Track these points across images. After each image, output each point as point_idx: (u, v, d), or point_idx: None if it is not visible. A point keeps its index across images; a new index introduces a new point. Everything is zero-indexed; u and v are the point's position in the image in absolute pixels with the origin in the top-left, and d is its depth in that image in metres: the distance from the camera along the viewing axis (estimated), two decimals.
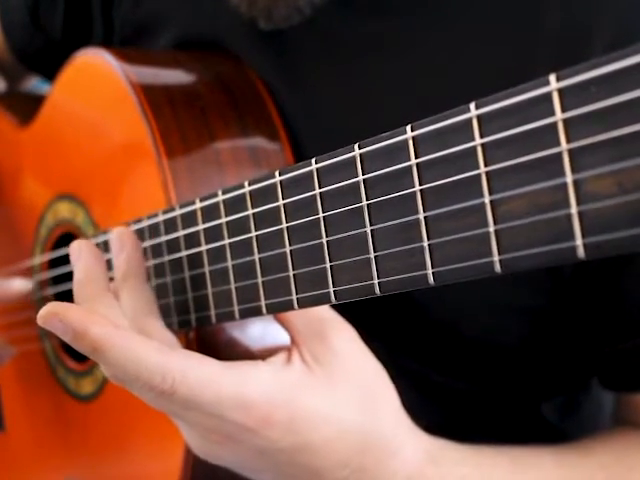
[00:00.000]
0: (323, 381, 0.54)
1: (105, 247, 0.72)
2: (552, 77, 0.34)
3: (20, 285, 0.81)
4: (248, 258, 0.53)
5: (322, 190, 0.46)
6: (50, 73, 0.98)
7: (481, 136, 0.37)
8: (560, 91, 0.34)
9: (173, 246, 0.62)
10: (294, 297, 0.49)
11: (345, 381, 0.55)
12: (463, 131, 0.38)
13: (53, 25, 0.93)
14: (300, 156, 0.70)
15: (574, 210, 0.34)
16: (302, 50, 0.72)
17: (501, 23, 0.64)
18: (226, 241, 0.55)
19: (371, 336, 0.58)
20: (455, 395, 0.70)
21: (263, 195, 0.51)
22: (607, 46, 0.60)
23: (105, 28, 0.88)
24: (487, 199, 0.37)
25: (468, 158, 0.38)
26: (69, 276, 0.81)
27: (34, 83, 1.07)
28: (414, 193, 0.40)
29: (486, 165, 0.37)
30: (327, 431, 0.53)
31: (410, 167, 0.40)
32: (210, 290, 0.58)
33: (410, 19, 0.67)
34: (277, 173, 0.49)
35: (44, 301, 0.85)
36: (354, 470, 0.55)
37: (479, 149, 0.37)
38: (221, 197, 0.55)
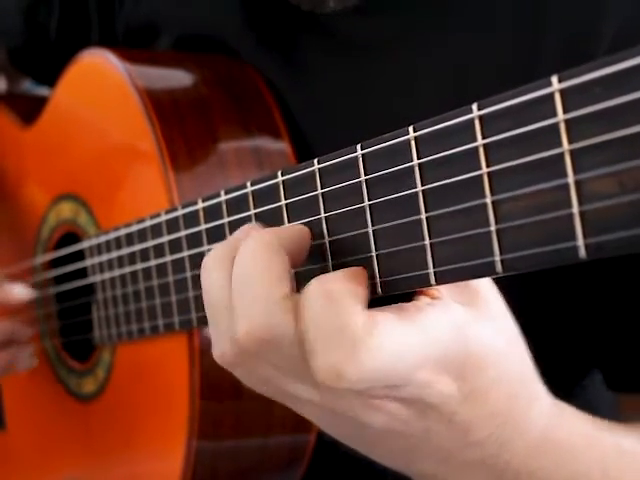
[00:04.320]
0: (480, 318, 0.46)
1: (107, 247, 0.72)
2: (554, 78, 0.34)
3: (21, 291, 0.81)
4: None
5: (324, 190, 0.46)
6: (40, 76, 0.98)
7: (483, 137, 0.37)
8: (562, 92, 0.34)
9: (175, 246, 0.62)
10: None
11: (494, 320, 0.47)
12: (465, 132, 0.38)
13: (49, 26, 0.93)
14: (306, 156, 0.70)
15: (575, 210, 0.34)
16: (308, 50, 0.72)
17: (503, 23, 0.64)
18: None
19: None
20: None
21: (265, 195, 0.51)
22: (611, 44, 0.60)
23: (101, 31, 0.88)
24: (489, 199, 0.37)
25: (470, 159, 0.38)
26: (70, 276, 0.81)
27: (27, 85, 1.08)
28: (416, 194, 0.41)
29: (488, 166, 0.37)
30: (491, 373, 0.46)
31: (412, 167, 0.41)
32: None
33: (417, 19, 0.67)
34: (279, 173, 0.49)
35: (45, 301, 0.85)
36: (502, 422, 0.48)
37: (481, 150, 0.37)
38: (224, 197, 0.55)
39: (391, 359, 0.41)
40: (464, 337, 0.44)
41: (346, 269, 0.44)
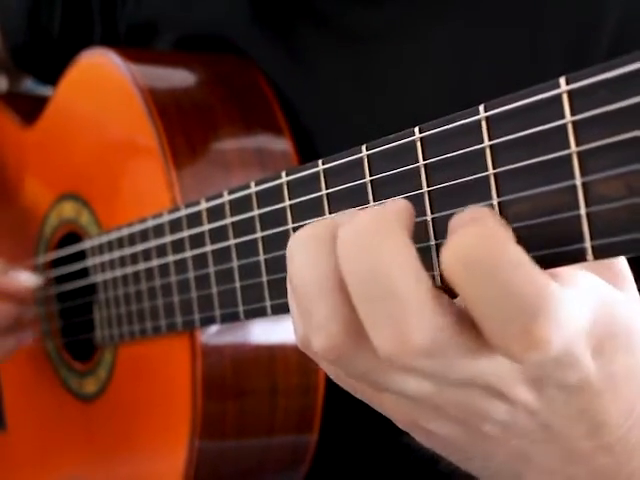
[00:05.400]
0: (629, 301, 0.41)
1: (109, 247, 0.72)
2: (562, 80, 0.34)
3: (27, 278, 0.81)
4: (253, 259, 0.53)
5: (329, 191, 0.46)
6: (43, 75, 0.98)
7: (490, 138, 0.37)
8: (570, 93, 0.34)
9: (178, 246, 0.62)
10: None
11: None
12: (472, 133, 0.38)
13: (52, 26, 0.93)
14: (309, 152, 0.70)
15: (583, 212, 0.34)
16: (310, 44, 0.72)
17: (502, 17, 0.64)
18: (231, 241, 0.55)
19: None
20: None
21: (269, 196, 0.51)
22: (611, 40, 0.60)
23: (104, 30, 0.88)
24: (495, 201, 0.37)
25: (477, 160, 0.38)
26: (72, 275, 0.81)
27: (28, 84, 1.08)
28: (422, 194, 0.40)
29: (495, 167, 0.37)
30: (630, 361, 0.40)
31: (418, 168, 0.40)
32: (215, 290, 0.58)
33: (417, 11, 0.67)
34: (284, 174, 0.49)
35: (47, 300, 0.85)
36: (636, 418, 0.41)
37: (488, 151, 0.37)
38: (227, 197, 0.55)
39: (575, 327, 0.36)
40: (610, 314, 0.39)
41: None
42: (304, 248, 0.39)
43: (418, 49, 0.67)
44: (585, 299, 0.37)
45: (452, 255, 0.33)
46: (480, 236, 0.33)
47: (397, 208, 0.36)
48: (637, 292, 0.42)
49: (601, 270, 0.40)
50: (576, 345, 0.36)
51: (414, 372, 0.37)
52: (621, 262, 0.42)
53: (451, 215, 0.39)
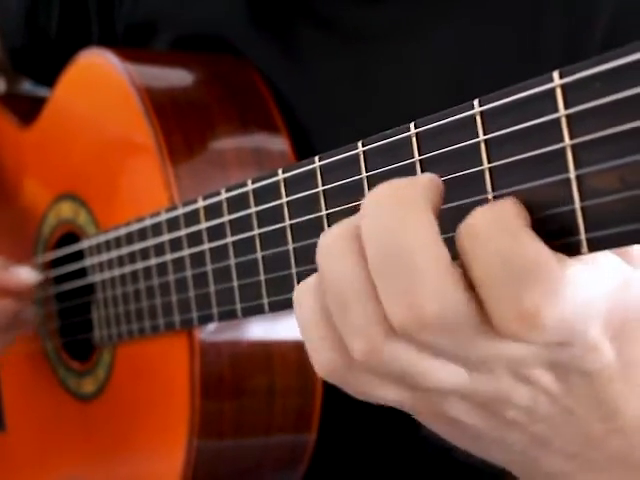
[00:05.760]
0: None
1: (107, 246, 0.72)
2: (555, 73, 0.34)
3: (28, 274, 0.81)
4: (251, 256, 0.53)
5: (325, 188, 0.46)
6: (41, 77, 0.98)
7: (484, 133, 0.37)
8: (563, 87, 0.34)
9: (176, 245, 0.62)
10: None
11: None
12: (466, 128, 0.38)
13: (49, 26, 0.93)
14: (307, 151, 0.70)
15: (577, 205, 0.34)
16: (309, 45, 0.72)
17: (505, 16, 0.64)
18: (229, 239, 0.55)
19: None
20: None
21: (266, 193, 0.51)
22: (606, 35, 0.60)
23: (101, 30, 0.88)
24: (490, 195, 0.37)
25: (471, 155, 0.38)
26: (71, 275, 0.81)
27: (27, 85, 1.08)
28: None
29: (489, 161, 0.37)
30: None
31: (413, 164, 0.40)
32: (212, 288, 0.58)
33: (419, 10, 0.67)
34: (280, 171, 0.49)
35: (46, 300, 0.85)
36: None
37: (482, 145, 0.37)
38: (224, 195, 0.55)
39: (583, 307, 0.35)
40: (630, 295, 0.38)
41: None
42: (329, 253, 0.38)
43: (422, 48, 0.67)
44: (603, 280, 0.36)
45: (463, 230, 0.35)
46: (491, 212, 0.35)
47: (423, 182, 0.37)
48: None
49: (618, 253, 0.39)
50: (589, 327, 0.36)
51: (434, 351, 0.37)
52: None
53: (447, 210, 0.39)
